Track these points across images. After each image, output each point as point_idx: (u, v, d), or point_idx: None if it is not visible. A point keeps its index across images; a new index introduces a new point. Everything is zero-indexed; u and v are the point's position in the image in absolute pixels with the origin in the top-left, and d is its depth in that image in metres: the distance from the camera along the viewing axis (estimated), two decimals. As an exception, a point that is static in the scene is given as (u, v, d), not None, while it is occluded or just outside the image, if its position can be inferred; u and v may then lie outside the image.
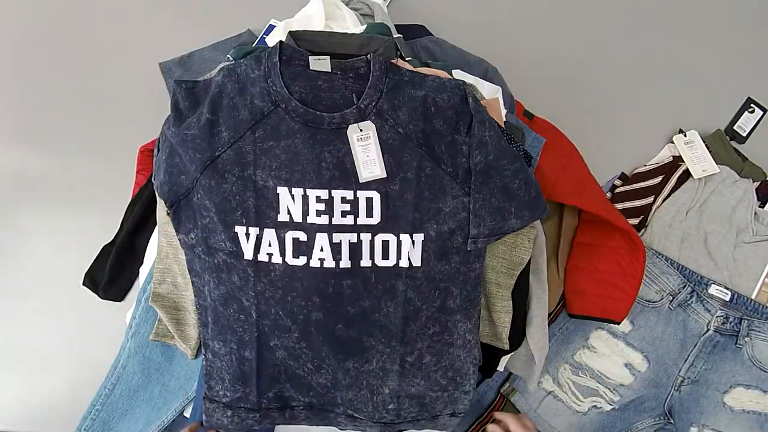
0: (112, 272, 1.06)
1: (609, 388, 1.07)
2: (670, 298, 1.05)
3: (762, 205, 1.18)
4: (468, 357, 0.87)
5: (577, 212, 1.15)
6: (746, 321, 1.06)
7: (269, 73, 0.82)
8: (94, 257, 1.10)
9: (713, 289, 1.07)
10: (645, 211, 1.17)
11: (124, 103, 1.20)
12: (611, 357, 1.08)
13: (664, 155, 1.24)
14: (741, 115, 1.29)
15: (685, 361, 1.05)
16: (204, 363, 0.88)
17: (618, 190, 1.21)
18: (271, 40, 1.13)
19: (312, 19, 1.11)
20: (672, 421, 1.05)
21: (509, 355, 0.98)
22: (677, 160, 1.21)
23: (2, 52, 1.22)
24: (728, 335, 1.06)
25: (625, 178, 1.23)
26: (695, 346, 1.05)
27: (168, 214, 0.87)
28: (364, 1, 1.18)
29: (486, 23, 1.31)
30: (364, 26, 1.02)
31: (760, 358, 1.05)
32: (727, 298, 1.08)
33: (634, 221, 1.16)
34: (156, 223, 0.95)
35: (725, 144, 1.24)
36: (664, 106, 1.29)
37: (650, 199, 1.17)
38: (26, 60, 1.22)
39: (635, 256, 1.09)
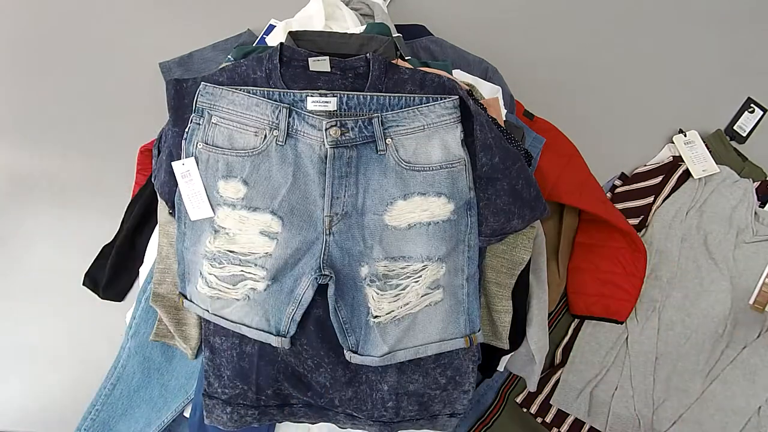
0: (112, 272, 1.07)
1: (253, 265, 0.84)
2: (274, 134, 0.80)
3: (762, 205, 1.18)
4: (467, 355, 0.87)
5: (577, 212, 1.15)
6: (377, 119, 0.79)
7: (270, 75, 0.83)
8: (94, 257, 1.10)
9: (312, 104, 0.81)
10: (645, 211, 1.17)
11: (124, 103, 1.21)
12: (244, 231, 0.84)
13: (664, 155, 1.24)
14: (741, 115, 1.29)
15: (323, 196, 0.81)
16: (203, 360, 0.88)
17: (618, 190, 1.21)
18: (271, 40, 1.13)
19: (312, 19, 1.11)
20: (333, 274, 0.83)
21: (509, 355, 0.98)
22: (677, 160, 1.21)
23: (2, 52, 1.22)
24: (361, 145, 0.81)
25: (625, 178, 1.23)
26: (326, 176, 0.81)
27: (170, 213, 0.87)
28: (364, 1, 1.18)
29: (486, 23, 1.31)
30: (364, 26, 1.03)
31: (408, 157, 0.81)
32: (333, 108, 0.81)
33: (635, 221, 1.16)
34: (156, 223, 0.95)
35: (725, 144, 1.24)
36: (664, 106, 1.30)
37: (650, 199, 1.17)
38: (26, 60, 1.22)
39: (636, 256, 1.09)
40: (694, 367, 1.11)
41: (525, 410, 1.11)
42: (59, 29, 1.24)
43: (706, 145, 1.21)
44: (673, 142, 1.23)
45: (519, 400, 1.10)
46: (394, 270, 0.81)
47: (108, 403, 0.98)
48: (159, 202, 0.91)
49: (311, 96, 0.80)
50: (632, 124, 1.28)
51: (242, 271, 0.81)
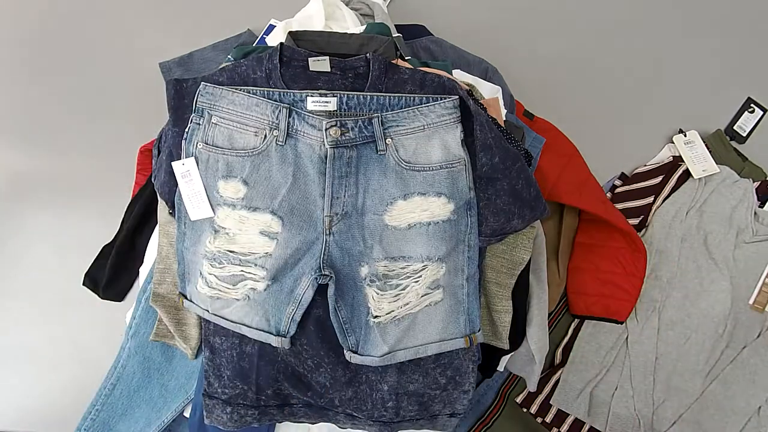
0: (112, 272, 1.07)
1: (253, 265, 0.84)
2: (274, 134, 0.80)
3: (762, 205, 1.18)
4: (467, 355, 0.87)
5: (577, 212, 1.15)
6: (377, 119, 0.79)
7: (270, 75, 0.83)
8: (94, 257, 1.10)
9: (312, 104, 0.81)
10: (645, 211, 1.17)
11: (123, 103, 1.21)
12: (244, 231, 0.84)
13: (664, 155, 1.24)
14: (741, 115, 1.29)
15: (323, 196, 0.81)
16: (203, 360, 0.89)
17: (618, 190, 1.21)
18: (271, 40, 1.13)
19: (312, 19, 1.11)
20: (333, 274, 0.83)
21: (509, 355, 0.98)
22: (677, 160, 1.21)
23: (3, 52, 1.22)
24: (361, 145, 0.81)
25: (625, 178, 1.23)
26: (326, 176, 0.80)
27: (170, 213, 0.87)
28: (364, 1, 1.18)
29: (486, 23, 1.31)
30: (364, 26, 1.03)
31: (408, 157, 0.81)
32: (333, 108, 0.81)
33: (635, 221, 1.16)
34: (156, 223, 0.95)
35: (725, 144, 1.24)
36: (664, 106, 1.30)
37: (650, 199, 1.17)
38: (27, 60, 1.22)
39: (636, 256, 1.09)
40: (694, 367, 1.11)
41: (525, 410, 1.11)
42: (59, 29, 1.24)
43: (706, 145, 1.21)
44: (673, 142, 1.23)
45: (519, 400, 1.10)
46: (394, 270, 0.81)
47: (108, 403, 0.98)
48: (159, 202, 0.91)
49: (311, 96, 0.80)
50: (632, 124, 1.28)
51: (242, 271, 0.81)
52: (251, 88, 0.81)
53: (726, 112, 1.30)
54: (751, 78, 1.32)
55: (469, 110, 0.80)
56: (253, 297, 0.82)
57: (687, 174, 1.19)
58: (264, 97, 0.80)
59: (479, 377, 1.03)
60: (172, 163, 0.82)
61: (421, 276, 0.81)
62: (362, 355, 0.82)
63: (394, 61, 0.86)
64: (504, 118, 0.97)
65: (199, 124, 0.81)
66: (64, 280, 1.11)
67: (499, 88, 1.06)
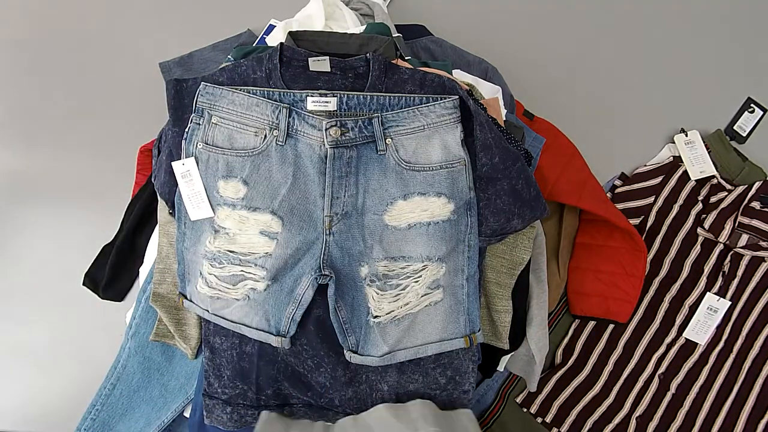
0: (112, 272, 1.07)
1: (253, 265, 0.84)
2: (274, 134, 0.80)
3: (763, 205, 1.18)
4: (467, 355, 0.87)
5: (578, 212, 1.15)
6: (377, 119, 0.80)
7: (270, 75, 0.83)
8: (94, 257, 1.10)
9: (312, 104, 0.81)
10: (645, 211, 1.17)
11: (124, 103, 1.21)
12: (244, 231, 0.84)
13: (665, 155, 1.24)
14: (741, 115, 1.29)
15: (323, 196, 0.81)
16: (203, 360, 0.89)
17: (618, 190, 1.21)
18: (271, 40, 1.13)
19: (312, 19, 1.11)
20: (333, 274, 0.83)
21: (509, 355, 0.98)
22: (677, 160, 1.21)
23: (2, 52, 1.22)
24: (361, 145, 0.81)
25: (625, 178, 1.23)
26: (326, 176, 0.80)
27: (170, 213, 0.87)
28: (364, 1, 1.18)
29: (486, 23, 1.31)
30: (364, 26, 1.03)
31: (408, 157, 0.81)
32: (333, 108, 0.81)
33: (635, 221, 1.16)
34: (156, 223, 0.96)
35: (725, 144, 1.24)
36: (664, 106, 1.29)
37: (650, 199, 1.17)
38: (27, 60, 1.22)
39: (637, 256, 1.09)
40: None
41: (525, 410, 1.11)
42: (59, 29, 1.24)
43: (705, 145, 1.20)
44: (673, 142, 1.23)
45: (519, 400, 1.10)
46: (394, 270, 0.81)
47: (108, 403, 0.98)
48: (159, 202, 0.92)
49: (311, 96, 0.80)
50: (632, 124, 1.28)
51: (242, 271, 0.81)
52: (251, 88, 0.81)
53: (726, 112, 1.30)
54: (751, 78, 1.32)
55: (469, 110, 0.80)
56: (253, 297, 0.82)
57: (687, 174, 1.19)
58: (264, 97, 0.80)
59: (479, 377, 1.03)
60: (172, 163, 0.82)
61: (421, 276, 0.81)
62: (362, 355, 0.82)
63: (394, 61, 0.87)
64: (504, 118, 0.97)
65: (199, 124, 0.81)
66: (64, 280, 1.11)
67: (499, 88, 1.06)
